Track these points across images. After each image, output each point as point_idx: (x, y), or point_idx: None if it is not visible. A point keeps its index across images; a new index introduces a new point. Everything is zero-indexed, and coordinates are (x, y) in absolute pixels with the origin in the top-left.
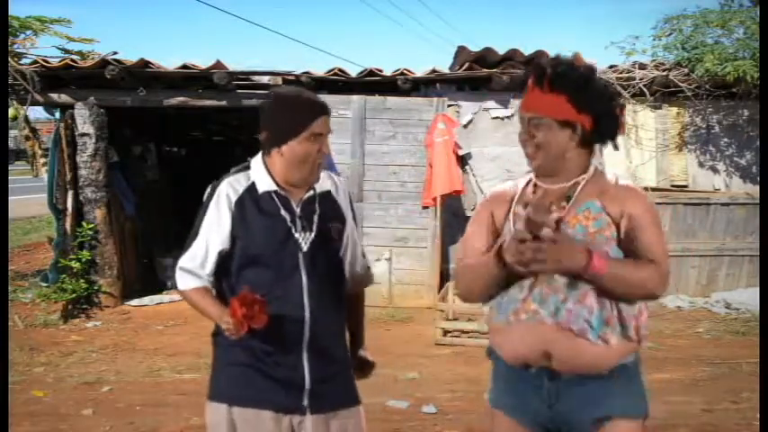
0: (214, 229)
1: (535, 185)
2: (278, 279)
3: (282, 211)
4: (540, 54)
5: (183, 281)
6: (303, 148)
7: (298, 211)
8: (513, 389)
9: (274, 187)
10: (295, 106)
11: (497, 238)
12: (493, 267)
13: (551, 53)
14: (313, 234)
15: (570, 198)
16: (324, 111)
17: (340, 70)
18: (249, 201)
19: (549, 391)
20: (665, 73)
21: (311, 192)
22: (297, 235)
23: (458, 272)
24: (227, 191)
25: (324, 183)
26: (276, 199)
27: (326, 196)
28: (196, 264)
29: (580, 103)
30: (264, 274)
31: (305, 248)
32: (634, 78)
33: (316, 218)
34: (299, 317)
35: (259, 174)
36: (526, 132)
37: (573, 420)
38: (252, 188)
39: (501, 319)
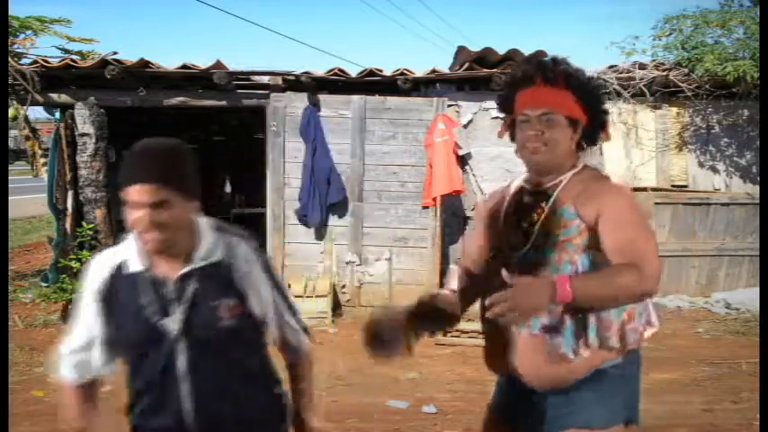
0: (90, 315)
1: (522, 189)
2: (151, 369)
3: (151, 294)
4: (540, 54)
5: (64, 369)
6: (127, 212)
7: (171, 291)
8: (503, 394)
9: (141, 267)
10: (128, 162)
11: (492, 238)
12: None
13: (551, 53)
14: (188, 315)
15: (550, 198)
16: (142, 178)
17: (340, 70)
18: (116, 284)
19: (526, 401)
20: (665, 73)
21: (190, 265)
22: (168, 319)
23: (456, 275)
24: (95, 272)
25: (213, 251)
26: (146, 279)
27: (213, 268)
28: (76, 350)
29: (584, 101)
30: (138, 363)
31: (176, 332)
32: (634, 78)
33: (192, 296)
34: (177, 410)
35: (129, 249)
36: (533, 128)
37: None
38: (121, 267)
39: (484, 327)
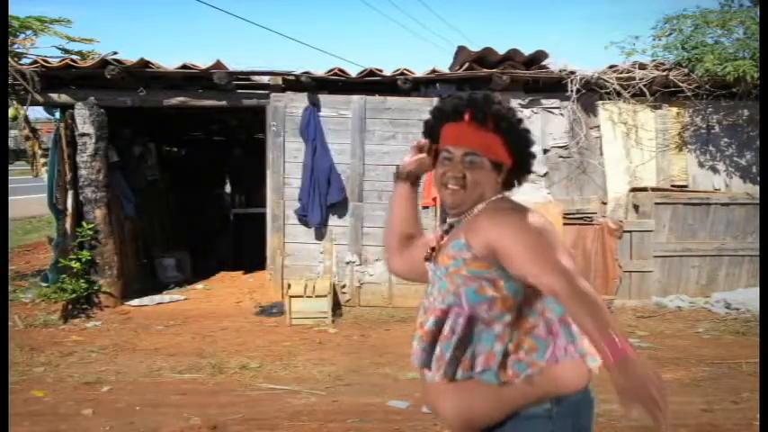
0: None
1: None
2: None
3: None
4: (540, 54)
5: None
6: None
7: None
8: None
9: None
10: None
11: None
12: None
13: (551, 53)
14: None
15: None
16: None
17: (340, 70)
18: None
19: None
20: (665, 73)
21: None
22: None
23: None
24: None
25: None
26: None
27: None
28: None
29: (512, 145)
30: None
31: None
32: (634, 78)
33: None
34: None
35: None
36: (455, 169)
37: None
38: None
39: None
